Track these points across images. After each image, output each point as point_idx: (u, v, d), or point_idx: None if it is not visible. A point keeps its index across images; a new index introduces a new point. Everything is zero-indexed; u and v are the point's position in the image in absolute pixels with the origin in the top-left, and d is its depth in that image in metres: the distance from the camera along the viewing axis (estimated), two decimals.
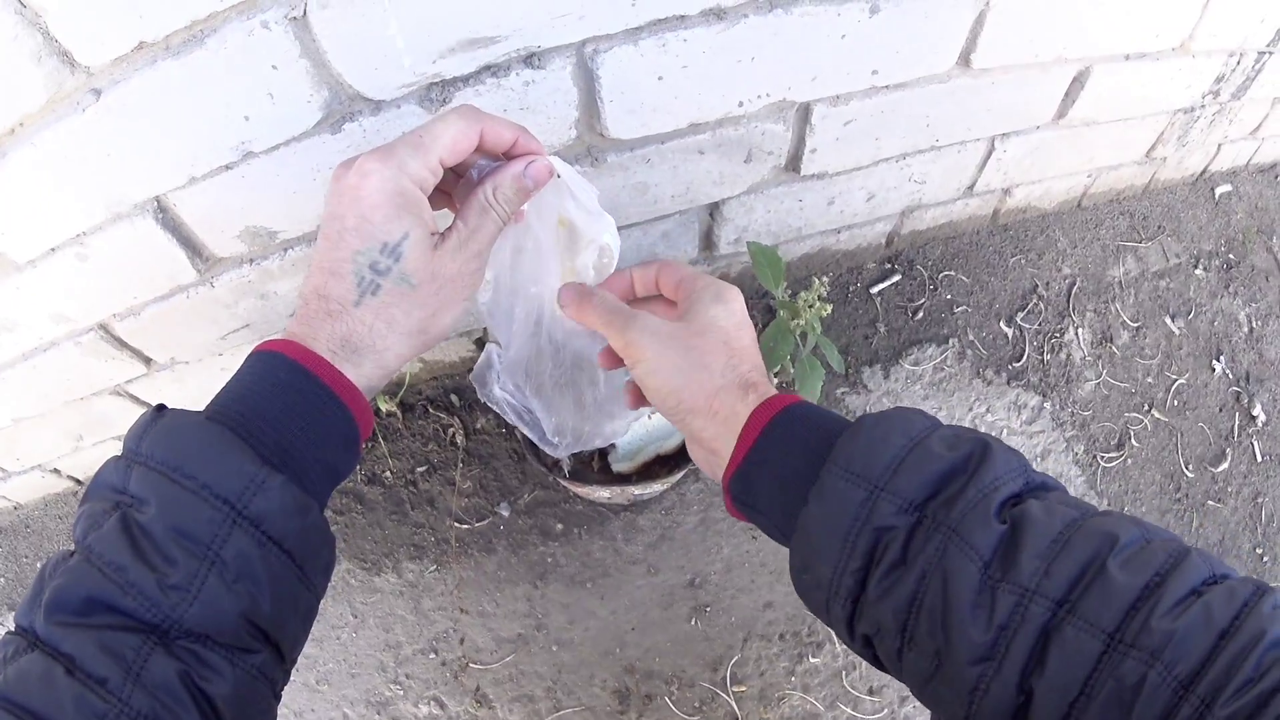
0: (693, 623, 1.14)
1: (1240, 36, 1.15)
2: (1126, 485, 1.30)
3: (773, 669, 1.13)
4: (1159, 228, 1.52)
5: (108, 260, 0.80)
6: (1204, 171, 1.59)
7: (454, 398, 1.22)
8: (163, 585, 0.43)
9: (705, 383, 0.57)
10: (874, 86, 0.94)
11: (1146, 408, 1.36)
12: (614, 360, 0.63)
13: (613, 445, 1.08)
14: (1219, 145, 1.50)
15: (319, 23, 0.63)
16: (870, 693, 1.13)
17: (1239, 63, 1.22)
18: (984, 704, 0.43)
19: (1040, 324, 1.36)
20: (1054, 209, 1.45)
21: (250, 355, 0.52)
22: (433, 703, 1.10)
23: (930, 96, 0.99)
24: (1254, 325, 1.49)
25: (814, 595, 0.52)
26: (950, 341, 1.31)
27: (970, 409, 1.29)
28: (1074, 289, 1.40)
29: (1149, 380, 1.38)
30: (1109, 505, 1.27)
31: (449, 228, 0.55)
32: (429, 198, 0.54)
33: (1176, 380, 1.39)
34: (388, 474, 1.18)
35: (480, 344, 1.18)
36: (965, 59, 0.96)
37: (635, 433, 1.07)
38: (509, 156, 0.58)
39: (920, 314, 1.32)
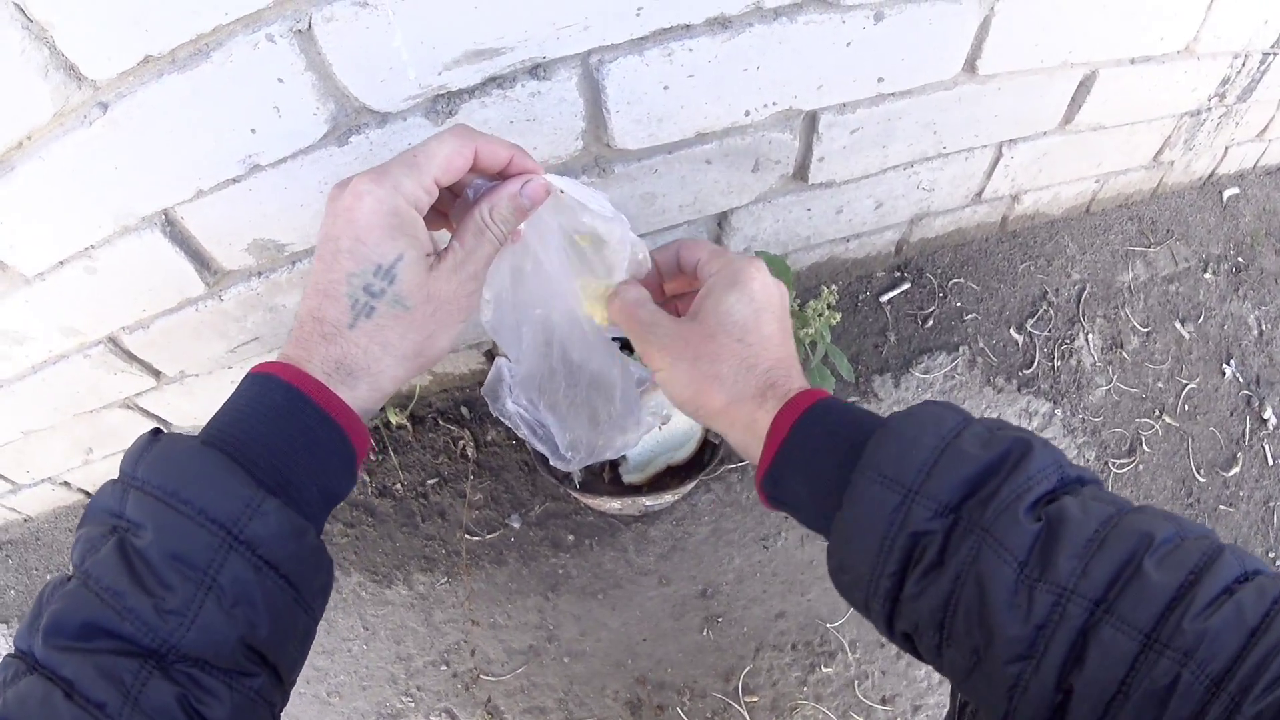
0: (704, 633, 1.13)
1: (1245, 38, 1.15)
2: (1139, 491, 1.29)
3: (785, 679, 1.12)
4: (1167, 232, 1.51)
5: (116, 273, 0.81)
6: (1211, 175, 1.58)
7: (464, 410, 1.22)
8: (160, 610, 0.43)
9: (718, 393, 0.57)
10: (880, 94, 0.94)
11: (1157, 413, 1.35)
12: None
13: (624, 457, 1.07)
14: (1226, 148, 1.50)
15: (324, 36, 0.63)
16: (883, 702, 1.12)
17: (1244, 65, 1.22)
18: (1023, 701, 0.43)
19: (1050, 330, 1.35)
20: (1062, 215, 1.44)
21: (246, 377, 0.52)
22: (444, 714, 1.10)
23: (937, 103, 0.99)
24: (1264, 328, 1.48)
25: (853, 594, 0.52)
26: (960, 349, 1.31)
27: (981, 417, 1.28)
28: (1084, 295, 1.39)
29: (1160, 385, 1.37)
30: None
31: (445, 249, 0.55)
32: (426, 218, 0.53)
33: (1187, 385, 1.38)
34: (398, 486, 1.18)
35: (490, 356, 1.18)
36: (971, 65, 0.95)
37: (646, 444, 1.07)
38: (505, 176, 0.57)
39: (930, 322, 1.32)
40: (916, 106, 0.98)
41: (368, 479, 1.19)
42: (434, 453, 1.19)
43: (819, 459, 0.53)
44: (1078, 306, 1.38)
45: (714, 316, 0.58)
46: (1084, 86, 1.09)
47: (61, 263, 0.79)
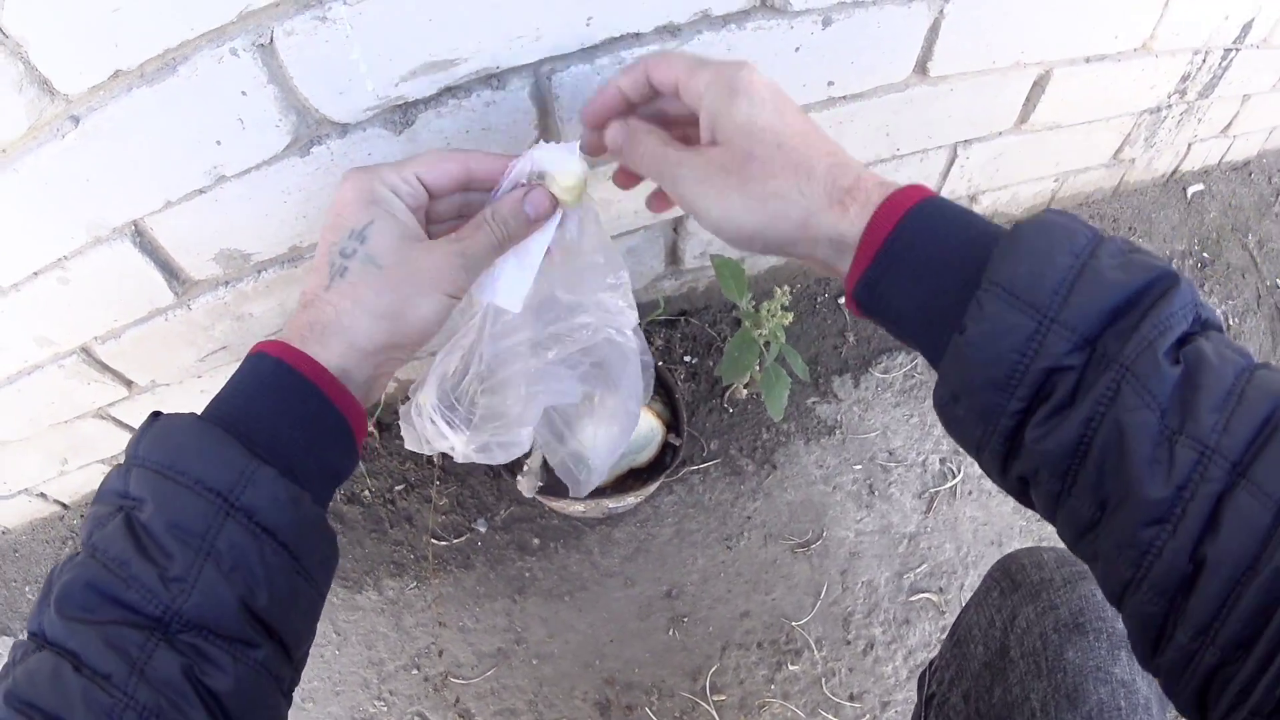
0: (671, 633, 1.15)
1: (1204, 34, 1.16)
2: None
3: (752, 677, 1.14)
4: (1130, 229, 1.55)
5: (88, 283, 0.83)
6: (1174, 172, 1.60)
7: None
8: (164, 578, 0.45)
9: (788, 214, 0.51)
10: (831, 97, 0.97)
11: None
12: (662, 203, 0.64)
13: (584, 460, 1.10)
14: (1189, 145, 1.52)
15: (285, 49, 0.66)
16: (851, 699, 1.14)
17: (1205, 61, 1.23)
18: (1155, 568, 0.40)
19: None
20: (1023, 214, 1.47)
21: (245, 358, 0.55)
22: (416, 718, 1.11)
23: (889, 106, 1.02)
24: (1232, 322, 1.51)
25: (966, 430, 0.48)
26: None
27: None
28: None
29: None
30: None
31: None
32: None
33: None
34: (366, 493, 1.20)
35: None
36: (922, 67, 0.98)
37: None
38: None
39: None
40: (868, 109, 1.01)
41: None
42: (400, 459, 1.22)
43: (929, 269, 0.47)
44: None
45: (738, 131, 0.53)
46: (1038, 86, 1.11)
47: (35, 273, 0.81)
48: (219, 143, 0.72)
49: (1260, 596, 0.37)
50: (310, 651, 0.55)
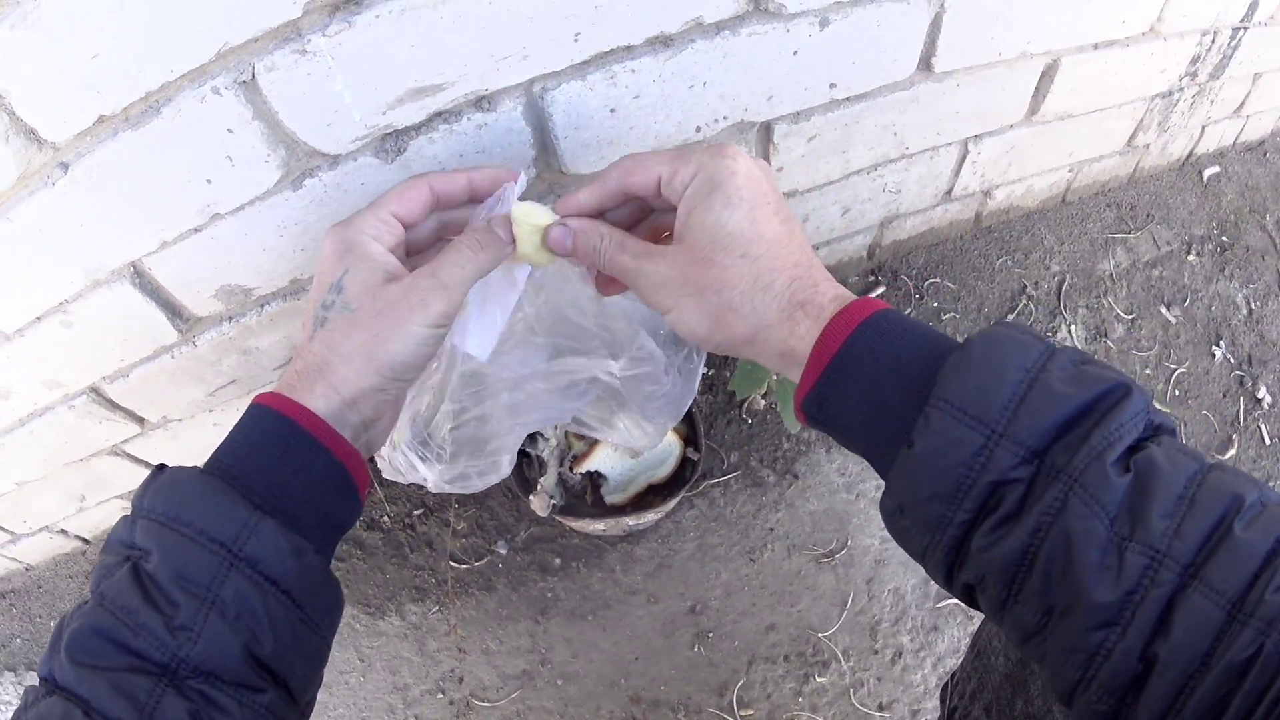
0: (696, 649, 1.13)
1: (1212, 14, 1.14)
2: None
3: (779, 691, 1.12)
4: (1148, 216, 1.51)
5: (92, 326, 0.83)
6: (1189, 155, 1.57)
7: None
8: (170, 626, 0.46)
9: (738, 325, 0.52)
10: (834, 100, 0.94)
11: None
12: (610, 285, 0.64)
13: (604, 478, 1.08)
14: (1203, 127, 1.49)
15: (267, 85, 0.65)
16: (880, 708, 1.11)
17: (1214, 41, 1.21)
18: (1104, 669, 0.40)
19: (1031, 324, 1.35)
20: (1038, 206, 1.44)
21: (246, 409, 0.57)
22: None
23: (894, 104, 0.99)
24: (1253, 306, 1.47)
25: (912, 540, 0.48)
26: None
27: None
28: (1064, 286, 1.39)
29: (1147, 372, 1.36)
30: None
31: None
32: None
33: (1176, 370, 1.37)
34: (385, 519, 1.19)
35: None
36: (926, 63, 0.96)
37: (626, 464, 1.08)
38: (479, 200, 0.65)
39: None
40: (874, 109, 0.98)
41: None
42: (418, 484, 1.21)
43: (876, 385, 0.48)
44: (1058, 298, 1.38)
45: (705, 235, 0.52)
46: (1047, 76, 1.09)
47: (38, 318, 0.81)
48: (209, 181, 0.72)
49: (1214, 690, 0.37)
50: (336, 679, 0.57)
